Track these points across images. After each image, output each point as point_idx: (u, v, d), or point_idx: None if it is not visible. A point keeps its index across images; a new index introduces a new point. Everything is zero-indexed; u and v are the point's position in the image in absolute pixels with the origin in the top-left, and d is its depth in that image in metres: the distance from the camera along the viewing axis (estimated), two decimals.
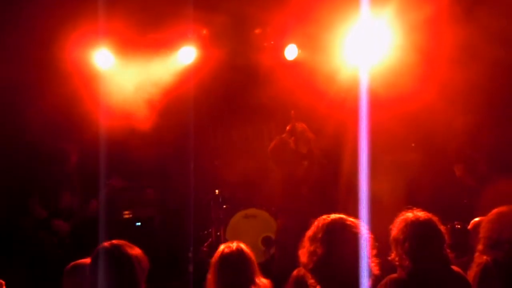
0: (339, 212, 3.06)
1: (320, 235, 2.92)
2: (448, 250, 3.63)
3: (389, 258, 3.66)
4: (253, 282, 3.73)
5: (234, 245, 3.86)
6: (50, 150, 6.75)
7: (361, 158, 4.66)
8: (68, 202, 6.61)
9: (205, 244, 7.49)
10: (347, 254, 2.86)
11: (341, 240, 2.89)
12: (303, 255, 2.96)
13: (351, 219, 2.99)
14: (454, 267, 3.68)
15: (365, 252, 2.87)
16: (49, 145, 6.86)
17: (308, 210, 5.93)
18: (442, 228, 3.65)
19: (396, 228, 3.68)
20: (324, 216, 3.02)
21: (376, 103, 5.62)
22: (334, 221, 2.97)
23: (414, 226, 3.61)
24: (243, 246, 3.87)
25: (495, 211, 3.94)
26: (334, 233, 2.92)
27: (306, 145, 6.76)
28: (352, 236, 2.90)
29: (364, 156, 4.64)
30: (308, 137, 6.79)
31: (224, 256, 3.80)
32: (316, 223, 3.00)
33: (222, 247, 3.90)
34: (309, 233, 2.98)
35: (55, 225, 6.42)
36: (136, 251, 3.14)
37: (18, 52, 6.69)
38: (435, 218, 3.68)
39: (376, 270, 2.98)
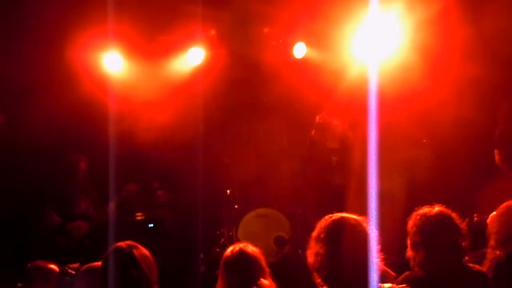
0: (349, 211, 3.06)
1: (322, 235, 2.95)
2: (465, 244, 3.61)
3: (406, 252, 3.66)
4: (255, 283, 3.75)
5: (237, 247, 3.89)
6: (60, 157, 6.79)
7: (370, 155, 4.65)
8: (83, 208, 6.66)
9: (217, 245, 7.50)
10: (350, 253, 2.87)
11: (343, 239, 2.91)
12: (310, 255, 2.98)
13: (355, 217, 3.00)
14: (471, 264, 3.66)
15: (371, 250, 2.88)
16: (59, 150, 6.90)
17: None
18: (457, 221, 3.64)
19: (410, 222, 3.70)
20: (327, 216, 3.03)
21: (385, 100, 5.61)
22: (336, 221, 2.98)
23: (427, 218, 3.62)
24: (249, 248, 3.89)
25: (504, 205, 3.93)
26: (336, 233, 2.93)
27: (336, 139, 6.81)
28: (354, 234, 2.91)
29: (374, 153, 4.63)
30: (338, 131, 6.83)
31: (226, 259, 3.86)
32: (319, 223, 3.02)
33: (228, 249, 3.94)
34: (314, 233, 3.00)
35: (74, 226, 6.46)
36: (145, 252, 3.16)
37: (27, 55, 6.73)
38: (449, 211, 3.67)
39: (381, 267, 2.99)
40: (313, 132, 7.05)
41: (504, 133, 6.06)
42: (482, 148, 6.25)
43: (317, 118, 7.01)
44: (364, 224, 2.98)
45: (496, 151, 6.01)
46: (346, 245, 2.89)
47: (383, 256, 3.03)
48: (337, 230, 2.94)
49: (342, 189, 6.70)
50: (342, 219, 2.98)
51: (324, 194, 6.80)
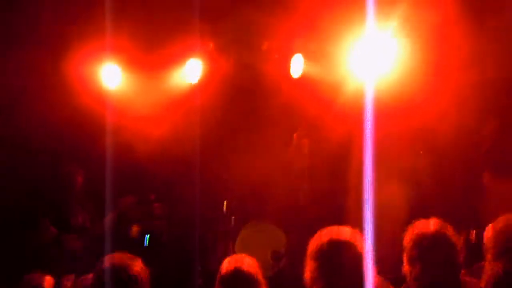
0: (346, 223, 3.06)
1: (315, 252, 2.95)
2: (461, 259, 3.58)
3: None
4: None
5: (233, 261, 3.85)
6: (57, 169, 6.80)
7: (367, 168, 4.65)
8: (80, 220, 6.65)
9: (214, 258, 7.47)
10: (344, 268, 2.86)
11: (336, 255, 2.91)
12: (306, 273, 2.98)
13: (348, 231, 3.00)
14: (467, 278, 3.63)
15: (365, 265, 2.87)
16: (57, 163, 6.90)
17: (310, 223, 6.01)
18: (453, 235, 3.62)
19: (406, 236, 3.67)
20: (318, 233, 3.03)
21: (383, 113, 5.62)
22: (327, 236, 2.98)
23: (423, 232, 3.59)
24: (245, 261, 3.85)
25: (500, 218, 3.91)
26: (329, 249, 2.93)
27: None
28: (347, 249, 2.91)
29: (371, 166, 4.63)
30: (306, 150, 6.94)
31: (222, 274, 3.82)
32: (313, 239, 3.02)
33: (224, 263, 3.90)
34: (308, 250, 3.00)
35: (67, 242, 6.45)
36: (137, 264, 3.14)
37: (25, 67, 6.75)
38: (445, 225, 3.64)
39: (378, 280, 2.98)
40: (290, 149, 7.19)
41: (491, 153, 6.08)
42: (480, 161, 6.27)
43: (294, 136, 7.14)
44: (358, 238, 2.97)
45: (484, 173, 6.02)
46: (339, 261, 2.89)
47: (378, 269, 3.02)
48: (330, 245, 2.94)
49: (306, 210, 6.81)
50: (334, 235, 2.98)
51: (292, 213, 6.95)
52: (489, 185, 6.00)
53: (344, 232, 3.00)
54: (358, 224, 3.19)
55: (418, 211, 3.90)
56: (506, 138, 6.18)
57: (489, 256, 3.81)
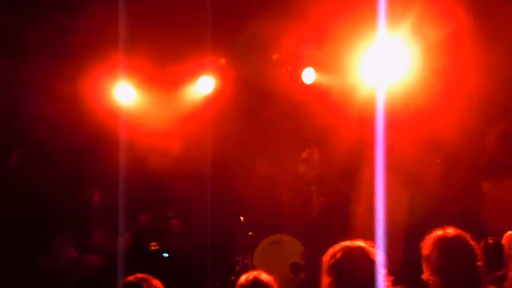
0: (357, 234, 3.07)
1: (328, 265, 2.98)
2: (481, 266, 3.55)
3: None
4: None
5: (251, 275, 3.87)
6: (75, 189, 6.85)
7: (379, 177, 4.63)
8: (100, 239, 6.68)
9: (233, 272, 7.45)
10: (355, 281, 2.88)
11: (348, 268, 2.93)
12: (322, 284, 3.00)
13: (360, 244, 3.01)
14: (490, 286, 3.59)
15: (378, 277, 2.88)
16: (73, 182, 6.95)
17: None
18: (473, 244, 3.58)
19: (425, 245, 3.63)
20: (331, 248, 3.05)
21: (395, 121, 5.61)
22: (341, 250, 3.00)
23: (443, 242, 3.55)
24: (263, 276, 3.87)
25: None
26: (341, 262, 2.96)
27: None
28: (361, 263, 2.93)
29: (383, 175, 4.61)
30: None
31: (241, 283, 3.84)
32: (327, 254, 3.04)
33: (242, 277, 3.92)
34: (322, 266, 3.02)
35: (88, 260, 6.48)
36: (157, 284, 3.15)
37: (41, 87, 6.83)
38: (465, 234, 3.61)
39: None
40: (300, 166, 7.22)
41: (493, 161, 6.04)
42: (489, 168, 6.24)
43: (304, 153, 7.18)
44: (371, 251, 2.98)
45: (484, 182, 5.98)
46: (353, 275, 2.91)
47: (392, 280, 3.02)
48: (344, 260, 2.96)
49: (323, 218, 6.80)
50: (347, 249, 3.00)
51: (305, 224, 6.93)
52: (489, 193, 5.97)
53: (357, 245, 3.01)
54: (370, 232, 3.20)
55: (430, 218, 3.86)
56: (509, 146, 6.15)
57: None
